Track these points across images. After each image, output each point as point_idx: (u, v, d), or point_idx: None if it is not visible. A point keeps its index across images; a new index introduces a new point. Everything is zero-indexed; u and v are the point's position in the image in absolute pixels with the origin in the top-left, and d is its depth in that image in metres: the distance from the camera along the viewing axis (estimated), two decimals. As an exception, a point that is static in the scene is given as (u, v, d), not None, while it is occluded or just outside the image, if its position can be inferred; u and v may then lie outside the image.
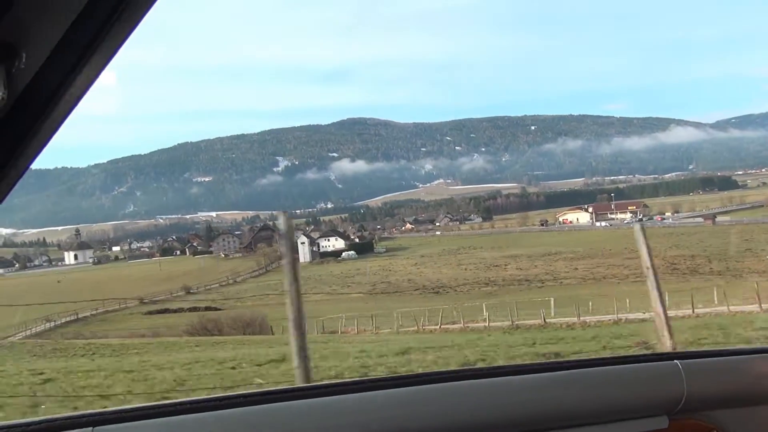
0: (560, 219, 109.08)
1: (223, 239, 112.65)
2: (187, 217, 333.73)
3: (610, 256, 58.38)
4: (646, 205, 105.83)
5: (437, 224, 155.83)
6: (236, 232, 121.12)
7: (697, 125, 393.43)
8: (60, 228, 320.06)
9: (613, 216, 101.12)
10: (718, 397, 1.92)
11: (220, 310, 49.78)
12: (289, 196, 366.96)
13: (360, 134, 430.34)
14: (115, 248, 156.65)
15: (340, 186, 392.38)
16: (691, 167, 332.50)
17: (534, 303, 30.81)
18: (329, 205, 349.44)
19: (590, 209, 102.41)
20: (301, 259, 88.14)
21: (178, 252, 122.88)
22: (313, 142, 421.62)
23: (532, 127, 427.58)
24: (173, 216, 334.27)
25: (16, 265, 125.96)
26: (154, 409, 1.42)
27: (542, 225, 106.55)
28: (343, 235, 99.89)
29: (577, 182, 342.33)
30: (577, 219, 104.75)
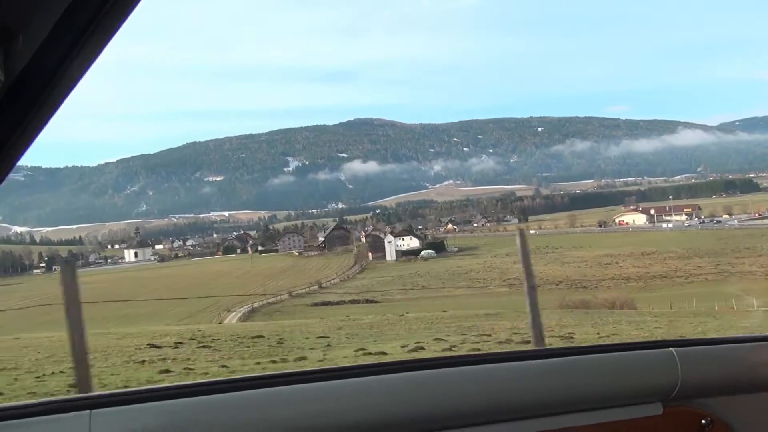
0: (616, 221, 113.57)
1: (288, 238, 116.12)
2: (201, 216, 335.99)
3: (717, 255, 62.58)
4: (699, 208, 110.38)
5: (474, 225, 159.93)
6: (293, 230, 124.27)
7: (704, 128, 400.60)
8: (74, 226, 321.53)
9: (668, 218, 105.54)
10: (713, 385, 1.96)
11: (378, 302, 53.73)
12: (300, 196, 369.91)
13: (368, 135, 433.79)
14: (158, 246, 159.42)
15: (350, 186, 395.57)
16: (699, 169, 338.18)
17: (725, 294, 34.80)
18: (341, 206, 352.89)
19: (651, 211, 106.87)
20: (387, 258, 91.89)
21: (239, 250, 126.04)
22: (321, 143, 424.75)
23: (539, 129, 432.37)
24: (187, 215, 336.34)
25: (78, 263, 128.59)
26: (151, 393, 1.44)
27: (600, 226, 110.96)
28: (417, 235, 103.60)
29: (586, 184, 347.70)
30: (633, 221, 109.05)
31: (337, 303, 51.22)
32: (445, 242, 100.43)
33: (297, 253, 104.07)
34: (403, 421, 1.59)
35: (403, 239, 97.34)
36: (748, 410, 1.99)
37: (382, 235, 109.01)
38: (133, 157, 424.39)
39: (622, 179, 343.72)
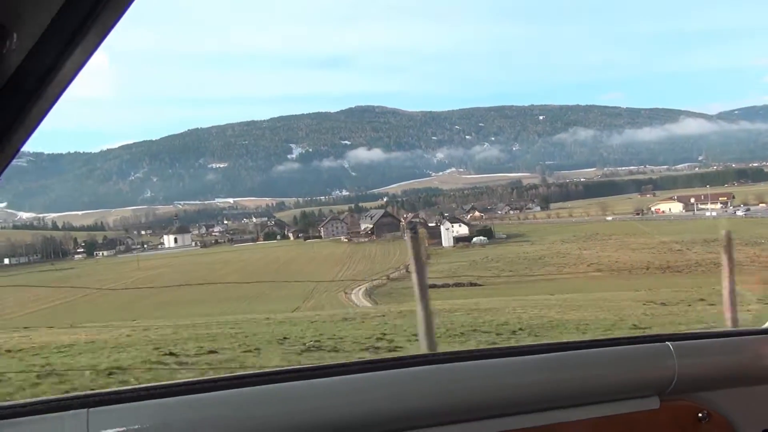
0: (652, 209, 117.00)
1: (332, 225, 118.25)
2: (206, 203, 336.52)
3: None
4: (733, 196, 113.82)
5: (498, 212, 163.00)
6: (341, 217, 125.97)
7: (705, 117, 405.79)
8: (81, 213, 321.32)
9: (704, 206, 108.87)
10: (709, 378, 1.99)
11: (480, 285, 56.46)
12: (304, 183, 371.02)
13: (370, 122, 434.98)
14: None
15: (354, 174, 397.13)
16: (700, 158, 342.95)
17: None
18: (345, 193, 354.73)
19: (692, 200, 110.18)
20: (444, 244, 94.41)
21: (279, 237, 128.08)
22: (324, 130, 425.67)
23: (540, 117, 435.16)
24: (192, 202, 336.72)
25: (118, 248, 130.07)
26: (148, 391, 1.44)
27: (637, 214, 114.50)
28: (465, 222, 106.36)
29: (589, 172, 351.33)
30: (670, 209, 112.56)
31: (442, 286, 53.62)
32: (492, 229, 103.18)
33: (345, 240, 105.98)
34: (402, 416, 1.60)
35: (452, 226, 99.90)
36: (744, 403, 2.03)
37: (421, 221, 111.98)
38: (135, 143, 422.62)
39: (624, 168, 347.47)
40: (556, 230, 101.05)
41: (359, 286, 56.13)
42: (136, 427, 1.41)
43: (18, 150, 0.95)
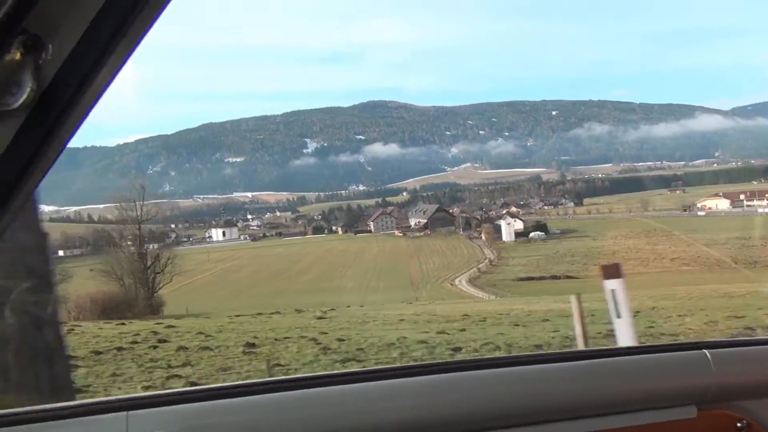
0: (698, 204, 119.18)
1: (381, 219, 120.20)
2: (229, 196, 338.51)
3: None
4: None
5: (534, 208, 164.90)
6: (388, 211, 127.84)
7: (721, 113, 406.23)
8: (102, 206, 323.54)
9: (750, 202, 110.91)
10: (748, 387, 1.94)
11: (576, 278, 58.42)
12: (321, 178, 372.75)
13: (383, 117, 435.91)
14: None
15: (369, 168, 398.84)
16: (717, 154, 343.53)
17: None
18: (361, 188, 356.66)
19: (741, 196, 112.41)
20: (505, 239, 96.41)
21: (326, 231, 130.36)
22: (337, 125, 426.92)
23: (553, 112, 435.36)
24: (211, 196, 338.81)
25: (165, 241, 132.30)
26: (187, 395, 1.47)
27: (685, 210, 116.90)
28: (519, 217, 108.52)
29: (606, 168, 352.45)
30: (716, 205, 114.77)
31: (539, 278, 55.88)
32: (547, 225, 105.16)
33: (400, 234, 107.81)
34: (438, 422, 1.61)
35: (513, 220, 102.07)
36: None
37: (471, 217, 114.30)
38: (150, 137, 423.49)
39: (642, 163, 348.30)
40: (607, 226, 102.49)
41: (456, 276, 58.24)
42: (176, 430, 1.42)
43: (55, 159, 0.98)
